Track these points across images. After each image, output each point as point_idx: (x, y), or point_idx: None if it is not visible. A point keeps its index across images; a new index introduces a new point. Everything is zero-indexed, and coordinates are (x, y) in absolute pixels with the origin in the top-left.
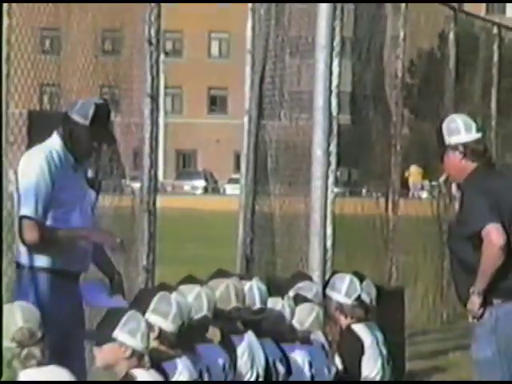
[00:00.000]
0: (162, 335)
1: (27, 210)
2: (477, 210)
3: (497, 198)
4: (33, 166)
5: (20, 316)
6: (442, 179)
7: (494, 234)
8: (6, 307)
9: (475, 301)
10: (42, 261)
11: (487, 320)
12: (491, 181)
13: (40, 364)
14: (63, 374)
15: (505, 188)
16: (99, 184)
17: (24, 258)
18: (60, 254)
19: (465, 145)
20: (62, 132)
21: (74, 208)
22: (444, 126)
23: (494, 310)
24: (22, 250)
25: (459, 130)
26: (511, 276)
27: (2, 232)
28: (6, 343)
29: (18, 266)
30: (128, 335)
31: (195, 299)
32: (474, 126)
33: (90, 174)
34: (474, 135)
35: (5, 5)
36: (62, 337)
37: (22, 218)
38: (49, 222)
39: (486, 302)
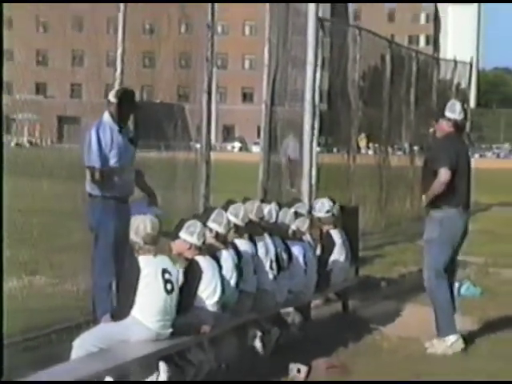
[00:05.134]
0: (217, 236)
1: (92, 161)
2: (441, 157)
3: (456, 154)
4: (94, 134)
5: (149, 225)
6: (431, 130)
7: (442, 174)
8: (139, 217)
9: (424, 201)
10: (104, 192)
11: (437, 217)
12: (456, 143)
13: (149, 252)
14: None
15: (462, 150)
16: (136, 142)
17: (93, 191)
18: (115, 186)
19: (454, 119)
20: (108, 109)
21: (121, 157)
22: (448, 104)
23: (441, 212)
24: (92, 185)
25: (455, 110)
26: (453, 195)
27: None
28: (135, 239)
29: (90, 195)
30: (188, 235)
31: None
32: (463, 111)
33: (130, 135)
34: (461, 115)
35: (119, 38)
36: (118, 239)
37: (88, 167)
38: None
39: (434, 205)
